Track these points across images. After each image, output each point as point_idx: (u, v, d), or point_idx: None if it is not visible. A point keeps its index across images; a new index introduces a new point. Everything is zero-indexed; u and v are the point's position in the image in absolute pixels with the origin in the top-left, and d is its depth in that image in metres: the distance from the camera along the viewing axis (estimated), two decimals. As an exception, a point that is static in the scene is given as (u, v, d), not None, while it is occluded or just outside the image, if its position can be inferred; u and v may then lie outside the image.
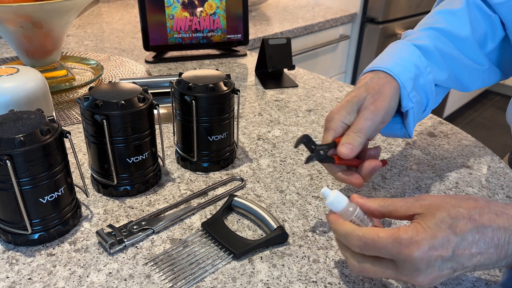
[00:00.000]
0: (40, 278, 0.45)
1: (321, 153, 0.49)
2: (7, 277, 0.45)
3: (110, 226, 0.51)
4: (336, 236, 0.42)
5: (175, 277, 0.46)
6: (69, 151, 0.64)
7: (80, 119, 0.77)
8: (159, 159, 0.63)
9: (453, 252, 0.36)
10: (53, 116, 0.51)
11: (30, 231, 0.48)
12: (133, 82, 0.58)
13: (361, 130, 0.48)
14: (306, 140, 0.49)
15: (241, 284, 0.45)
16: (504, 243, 0.36)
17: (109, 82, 0.58)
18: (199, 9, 1.06)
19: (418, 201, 0.39)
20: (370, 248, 0.38)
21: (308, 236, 0.52)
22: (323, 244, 0.51)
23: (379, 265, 0.38)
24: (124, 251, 0.49)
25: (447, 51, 0.57)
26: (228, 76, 0.62)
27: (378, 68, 0.53)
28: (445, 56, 0.56)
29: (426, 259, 0.36)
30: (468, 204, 0.37)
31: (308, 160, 0.49)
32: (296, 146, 0.49)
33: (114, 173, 0.55)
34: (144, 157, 0.56)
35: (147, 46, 1.06)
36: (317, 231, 0.53)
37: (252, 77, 1.01)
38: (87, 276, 0.46)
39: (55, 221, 0.49)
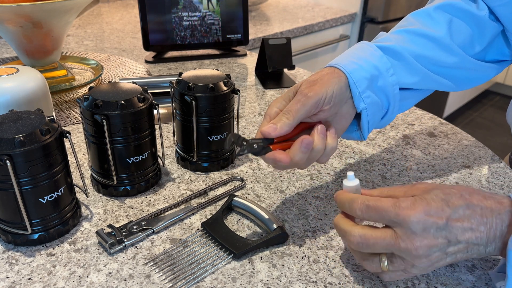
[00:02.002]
0: (40, 278, 0.45)
1: (255, 146, 0.47)
2: (7, 277, 0.45)
3: (110, 226, 0.51)
4: (340, 207, 0.45)
5: (175, 277, 0.46)
6: (69, 151, 0.64)
7: (80, 119, 0.77)
8: (159, 159, 0.63)
9: (447, 221, 0.39)
10: (53, 116, 0.51)
11: (30, 231, 0.48)
12: (133, 82, 0.58)
13: (288, 112, 0.48)
14: (234, 139, 0.48)
15: (241, 284, 0.45)
16: (492, 223, 0.40)
17: (109, 82, 0.58)
18: (199, 9, 1.06)
19: (415, 185, 0.43)
20: (371, 210, 0.41)
21: (308, 236, 0.52)
22: (323, 244, 0.51)
23: (379, 231, 0.41)
24: (124, 251, 0.49)
25: (421, 52, 0.55)
26: (228, 76, 0.62)
27: (331, 65, 0.53)
28: (419, 57, 0.55)
29: (422, 222, 0.39)
30: (459, 187, 0.42)
31: (238, 153, 0.48)
32: (228, 147, 0.48)
33: (114, 173, 0.55)
34: (144, 157, 0.56)
35: (147, 46, 1.06)
36: (317, 231, 0.53)
37: (252, 77, 1.01)
38: (87, 276, 0.46)
39: (55, 221, 0.49)
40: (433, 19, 0.57)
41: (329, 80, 0.50)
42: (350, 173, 0.46)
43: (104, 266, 0.47)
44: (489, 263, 0.49)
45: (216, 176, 0.63)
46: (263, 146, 0.48)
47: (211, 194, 0.59)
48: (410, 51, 0.54)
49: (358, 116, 0.54)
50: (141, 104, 0.54)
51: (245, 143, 0.47)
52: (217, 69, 0.64)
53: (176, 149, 0.66)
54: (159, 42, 1.06)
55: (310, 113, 0.49)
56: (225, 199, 0.56)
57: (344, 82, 0.51)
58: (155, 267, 0.47)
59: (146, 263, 0.48)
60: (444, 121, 0.82)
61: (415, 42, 0.55)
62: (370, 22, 1.85)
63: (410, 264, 0.41)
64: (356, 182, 0.46)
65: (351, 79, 0.51)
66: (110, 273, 0.46)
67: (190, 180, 0.62)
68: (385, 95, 0.54)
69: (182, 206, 0.57)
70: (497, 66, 0.60)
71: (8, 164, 0.43)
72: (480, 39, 0.57)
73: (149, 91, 0.58)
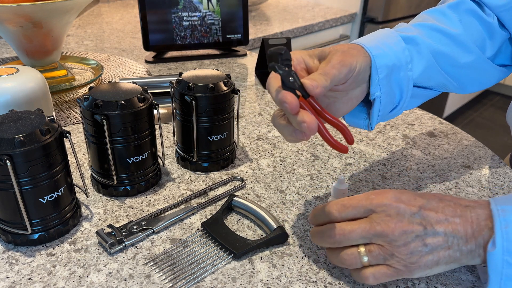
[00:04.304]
0: (40, 278, 0.45)
1: (290, 79, 0.43)
2: (7, 277, 0.45)
3: (110, 226, 0.51)
4: (314, 221, 0.47)
5: (175, 277, 0.46)
6: (69, 151, 0.64)
7: (80, 119, 0.77)
8: (159, 159, 0.63)
9: (420, 209, 0.41)
10: (53, 116, 0.51)
11: (30, 231, 0.48)
12: (133, 82, 0.58)
13: (327, 74, 0.45)
14: (284, 54, 0.43)
15: (241, 284, 0.45)
16: (467, 217, 0.40)
17: (109, 82, 0.58)
18: (199, 9, 1.06)
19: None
20: (347, 206, 0.43)
21: (308, 236, 0.52)
22: (323, 244, 0.51)
23: (355, 222, 0.43)
24: (124, 251, 0.49)
25: (439, 48, 0.54)
26: (228, 76, 0.62)
27: (357, 42, 0.51)
28: (437, 54, 0.54)
29: (395, 206, 0.41)
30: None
31: (272, 68, 0.43)
32: (271, 51, 0.43)
33: (114, 173, 0.55)
34: (144, 157, 0.56)
35: (147, 46, 1.06)
36: (317, 231, 0.53)
37: (252, 77, 1.01)
38: (87, 276, 0.46)
39: (55, 221, 0.49)
40: (448, 17, 0.56)
41: (357, 55, 0.48)
42: (341, 177, 0.51)
43: (104, 266, 0.47)
44: (489, 263, 0.49)
45: (216, 176, 0.63)
46: (296, 88, 0.43)
47: (211, 194, 0.59)
48: (428, 46, 0.53)
49: (366, 104, 0.54)
50: (141, 104, 0.54)
51: (287, 68, 0.43)
52: (217, 69, 0.64)
53: (176, 149, 0.66)
54: (159, 42, 1.06)
55: (340, 82, 0.47)
56: (225, 199, 0.56)
57: (368, 63, 0.49)
58: (155, 267, 0.47)
59: (146, 263, 0.48)
60: (444, 121, 0.82)
61: (432, 37, 0.54)
62: (370, 22, 1.85)
63: (388, 252, 0.40)
64: (346, 185, 0.52)
65: (374, 63, 0.49)
66: (110, 273, 0.46)
67: (190, 180, 0.62)
68: (399, 88, 0.52)
69: (182, 206, 0.57)
70: (505, 69, 0.60)
71: (8, 164, 0.43)
72: (491, 44, 0.56)
73: (149, 91, 0.58)
